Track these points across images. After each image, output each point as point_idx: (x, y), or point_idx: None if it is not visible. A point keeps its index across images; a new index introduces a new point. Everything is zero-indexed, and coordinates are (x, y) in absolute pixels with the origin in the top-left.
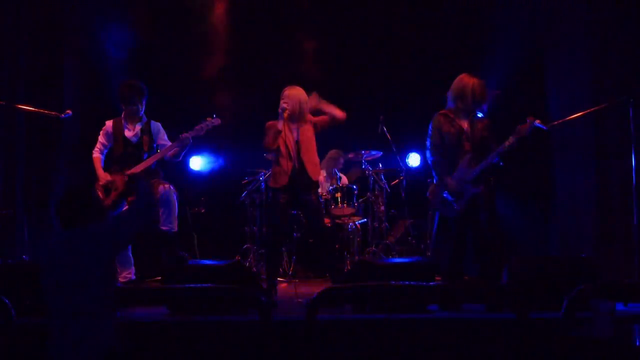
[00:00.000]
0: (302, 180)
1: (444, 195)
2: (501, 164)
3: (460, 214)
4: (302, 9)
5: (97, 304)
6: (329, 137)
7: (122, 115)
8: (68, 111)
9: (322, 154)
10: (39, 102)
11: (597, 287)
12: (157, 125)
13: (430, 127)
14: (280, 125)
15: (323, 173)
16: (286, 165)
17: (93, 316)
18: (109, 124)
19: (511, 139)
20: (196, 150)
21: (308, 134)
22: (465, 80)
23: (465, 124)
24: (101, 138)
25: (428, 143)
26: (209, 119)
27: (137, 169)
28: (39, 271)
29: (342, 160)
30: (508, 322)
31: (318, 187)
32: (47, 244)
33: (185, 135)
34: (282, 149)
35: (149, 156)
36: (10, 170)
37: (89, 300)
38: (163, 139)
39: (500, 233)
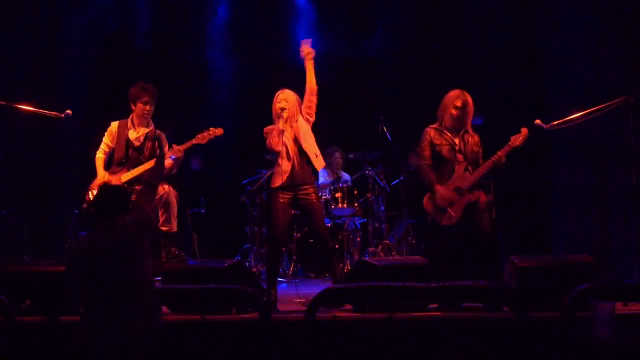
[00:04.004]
0: (303, 177)
1: (439, 203)
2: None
3: (456, 221)
4: (303, 8)
5: (141, 293)
6: (329, 136)
7: (130, 117)
8: (68, 111)
9: (321, 152)
10: (39, 102)
11: (597, 287)
12: (161, 135)
13: (421, 139)
14: (281, 125)
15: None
16: (285, 165)
17: (140, 305)
18: (113, 124)
19: (505, 149)
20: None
21: (303, 127)
22: (447, 95)
23: (457, 139)
24: (105, 139)
25: (419, 154)
26: (212, 128)
27: (134, 173)
28: (76, 265)
29: (341, 159)
30: (508, 322)
31: (317, 184)
32: (83, 240)
33: (177, 147)
34: (281, 149)
35: (147, 162)
36: (10, 170)
37: (134, 289)
38: (164, 150)
39: (498, 236)
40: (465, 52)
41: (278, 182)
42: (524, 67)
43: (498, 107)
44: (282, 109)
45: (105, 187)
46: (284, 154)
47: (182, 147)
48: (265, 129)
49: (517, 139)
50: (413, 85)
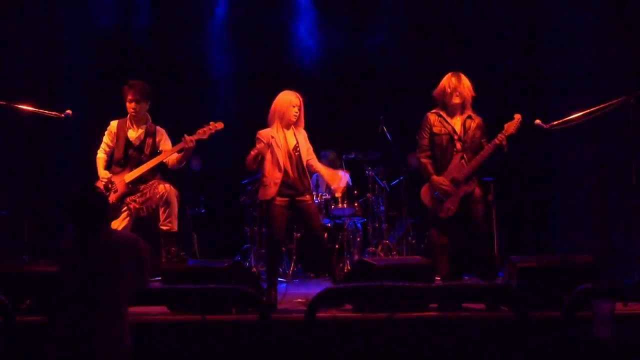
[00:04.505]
0: (299, 185)
1: (436, 195)
2: (497, 158)
3: (454, 214)
4: (303, 6)
5: (108, 304)
6: (328, 136)
7: (128, 116)
8: (68, 111)
9: (317, 154)
10: (39, 102)
11: (597, 287)
12: (161, 131)
13: (421, 126)
14: (261, 150)
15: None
16: (278, 176)
17: (106, 315)
18: (113, 124)
19: (499, 137)
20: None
21: (306, 143)
22: (443, 78)
23: (457, 124)
24: (105, 138)
25: (418, 142)
26: (212, 123)
27: (137, 173)
28: (59, 268)
29: (339, 160)
30: (508, 322)
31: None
32: (63, 243)
33: (189, 138)
34: (274, 159)
35: (149, 160)
36: (10, 170)
37: (101, 299)
38: (167, 145)
39: (492, 232)
40: (465, 52)
41: (272, 193)
42: (525, 67)
43: (499, 107)
44: (295, 116)
45: (86, 192)
46: (275, 165)
47: (194, 138)
48: (259, 134)
49: (511, 126)
50: (413, 85)
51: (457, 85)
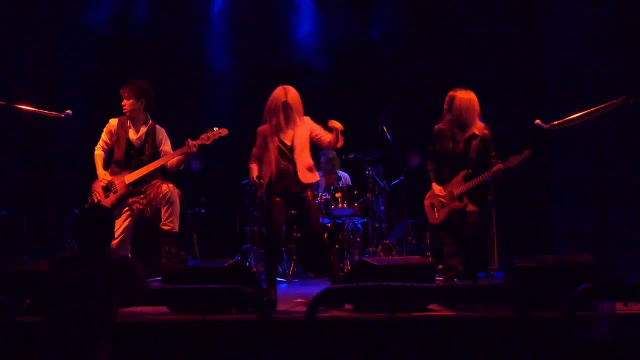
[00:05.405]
0: (293, 182)
1: (433, 202)
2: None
3: (441, 223)
4: (303, 8)
5: (92, 322)
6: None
7: (126, 115)
8: (68, 111)
9: (317, 154)
10: (39, 102)
11: (597, 287)
12: (161, 131)
13: (431, 137)
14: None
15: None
16: (268, 177)
17: (87, 332)
18: (113, 122)
19: (499, 167)
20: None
21: (303, 137)
22: (451, 94)
23: (462, 139)
24: (104, 136)
25: (428, 150)
26: (215, 128)
27: (137, 174)
28: (50, 279)
29: (337, 160)
30: (508, 322)
31: (312, 187)
32: (61, 256)
33: (192, 142)
34: (265, 160)
35: (149, 162)
36: (10, 170)
37: (85, 316)
38: (167, 146)
39: (481, 239)
40: (466, 52)
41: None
42: (525, 66)
43: (499, 106)
44: (283, 121)
45: (89, 212)
46: (267, 166)
47: (197, 142)
48: (259, 129)
49: (514, 160)
50: (413, 85)
51: (453, 104)
